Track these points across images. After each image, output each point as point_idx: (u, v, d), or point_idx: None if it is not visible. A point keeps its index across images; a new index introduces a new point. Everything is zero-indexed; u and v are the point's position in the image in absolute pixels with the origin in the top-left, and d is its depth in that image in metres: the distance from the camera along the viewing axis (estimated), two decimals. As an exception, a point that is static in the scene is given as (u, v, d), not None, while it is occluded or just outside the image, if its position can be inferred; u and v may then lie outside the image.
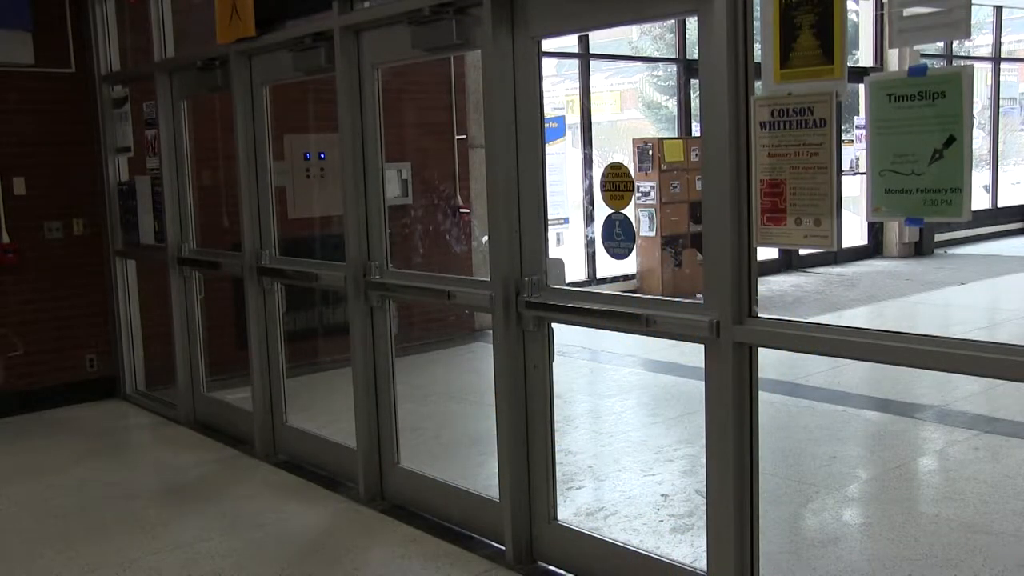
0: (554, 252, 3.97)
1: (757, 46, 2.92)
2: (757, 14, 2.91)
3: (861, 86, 2.68)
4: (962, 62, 14.88)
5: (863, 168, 4.89)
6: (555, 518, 3.93)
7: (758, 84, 2.93)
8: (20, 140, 6.57)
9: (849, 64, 2.78)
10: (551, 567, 3.91)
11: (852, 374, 6.64)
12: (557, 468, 3.97)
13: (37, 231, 6.67)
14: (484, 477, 4.96)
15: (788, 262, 12.19)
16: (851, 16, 12.62)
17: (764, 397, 3.18)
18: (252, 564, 4.08)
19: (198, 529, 4.48)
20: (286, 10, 4.95)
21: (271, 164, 5.40)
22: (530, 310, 3.77)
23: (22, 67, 6.45)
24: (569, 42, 10.64)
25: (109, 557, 4.21)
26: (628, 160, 10.86)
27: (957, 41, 13.91)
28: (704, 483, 3.26)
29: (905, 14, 2.56)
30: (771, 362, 4.67)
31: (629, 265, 10.83)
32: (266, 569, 4.03)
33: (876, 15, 13.06)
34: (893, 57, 12.67)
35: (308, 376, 6.85)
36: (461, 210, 8.57)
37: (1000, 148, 15.77)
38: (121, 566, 4.11)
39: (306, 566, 4.04)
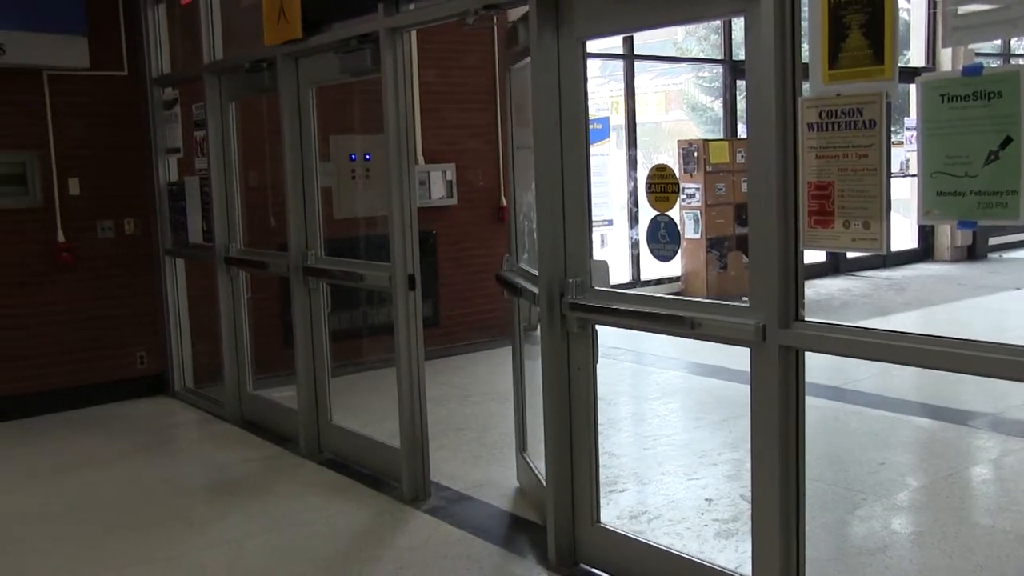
0: (598, 254, 3.95)
1: (805, 46, 2.88)
2: (805, 14, 2.87)
3: (912, 86, 2.64)
4: (1020, 60, 14.59)
5: (914, 170, 4.78)
6: (598, 520, 3.91)
7: (805, 85, 2.90)
8: (75, 142, 6.70)
9: (900, 64, 2.73)
10: (593, 569, 3.89)
11: (901, 380, 6.54)
12: (600, 470, 3.95)
13: (91, 231, 6.80)
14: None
15: (835, 265, 12.03)
16: (902, 15, 12.43)
17: (810, 402, 3.14)
18: (296, 561, 4.11)
19: (243, 526, 4.53)
20: (332, 12, 4.99)
21: (317, 165, 5.45)
22: (574, 312, 3.76)
23: (78, 70, 6.57)
24: (614, 43, 10.60)
25: (156, 551, 4.27)
26: (673, 162, 10.80)
27: (1015, 39, 13.64)
28: (749, 488, 3.23)
29: (960, 12, 2.51)
30: (817, 366, 4.60)
31: (673, 267, 10.76)
32: (310, 567, 4.06)
33: (929, 13, 12.83)
34: (946, 56, 12.44)
35: (353, 375, 6.88)
36: (504, 211, 8.57)
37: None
38: (168, 560, 4.17)
39: (349, 564, 4.07)
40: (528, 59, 3.98)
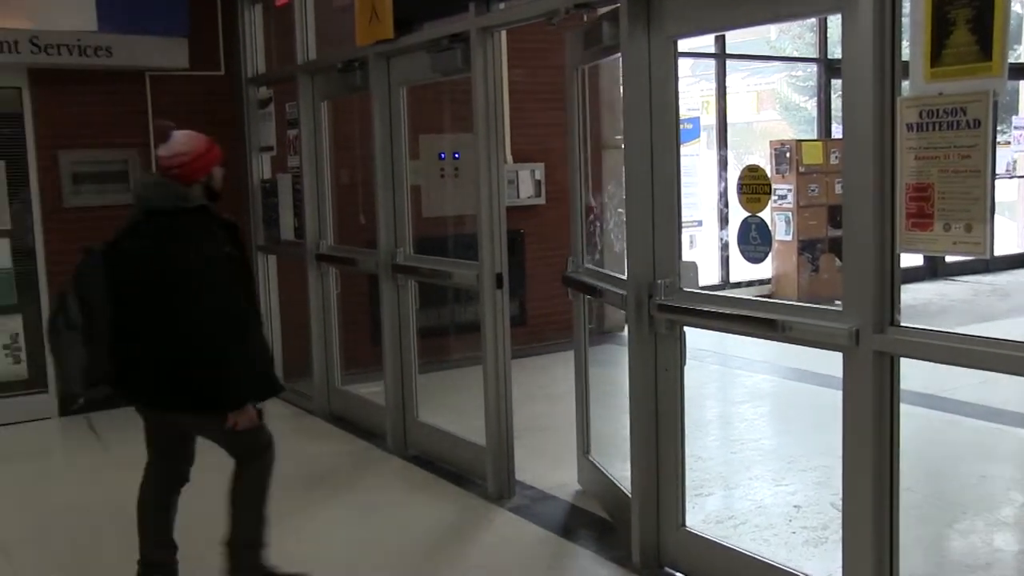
0: (687, 255, 3.91)
1: (904, 44, 2.80)
2: (906, 10, 2.79)
3: (1022, 83, 2.52)
4: None
5: (1022, 171, 4.59)
6: (684, 524, 3.86)
7: (905, 84, 2.81)
8: (174, 140, 6.90)
9: (1009, 60, 2.62)
10: (678, 574, 3.84)
11: (1004, 389, 6.28)
12: (687, 473, 3.91)
13: (187, 227, 6.98)
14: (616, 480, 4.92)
15: (933, 269, 11.65)
16: (1014, 8, 11.94)
17: (905, 409, 3.05)
18: (380, 555, 4.16)
19: (329, 518, 4.60)
20: (424, 12, 5.03)
21: (407, 163, 5.50)
22: (662, 313, 3.72)
23: (177, 71, 6.77)
24: (705, 42, 10.47)
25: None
26: (764, 162, 10.62)
27: None
28: (840, 496, 3.15)
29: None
30: (913, 373, 4.48)
31: (764, 269, 10.58)
32: (395, 561, 4.10)
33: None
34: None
35: (440, 372, 6.93)
36: (594, 209, 8.53)
37: None
38: (258, 551, 4.25)
39: (433, 559, 4.10)
40: (609, 57, 3.95)
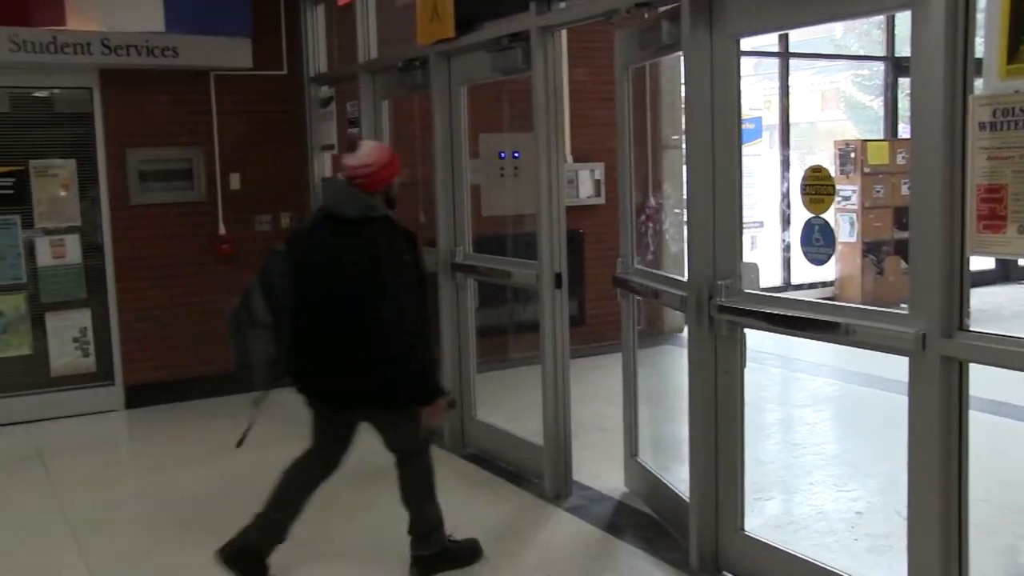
0: (748, 256, 3.86)
1: (978, 40, 2.72)
2: (980, 5, 2.71)
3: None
4: None
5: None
6: (742, 528, 3.82)
7: (978, 82, 2.73)
8: (237, 139, 7.02)
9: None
10: (736, 579, 3.80)
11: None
12: (746, 477, 3.85)
13: (249, 224, 7.09)
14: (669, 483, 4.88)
15: (1006, 273, 11.34)
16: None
17: (974, 416, 2.97)
18: (438, 553, 4.17)
19: (387, 515, 4.60)
20: (484, 11, 5.04)
21: (467, 162, 5.51)
22: (723, 314, 3.68)
23: (241, 70, 6.88)
24: (768, 40, 10.33)
25: (305, 534, 4.40)
26: (828, 162, 10.44)
27: None
28: (905, 503, 3.07)
29: None
30: (982, 379, 4.38)
31: (827, 271, 10.41)
32: (451, 559, 4.11)
33: None
34: None
35: (498, 372, 6.93)
36: (649, 210, 8.46)
37: None
38: (316, 544, 4.30)
39: (489, 558, 4.10)
40: (665, 56, 3.90)
